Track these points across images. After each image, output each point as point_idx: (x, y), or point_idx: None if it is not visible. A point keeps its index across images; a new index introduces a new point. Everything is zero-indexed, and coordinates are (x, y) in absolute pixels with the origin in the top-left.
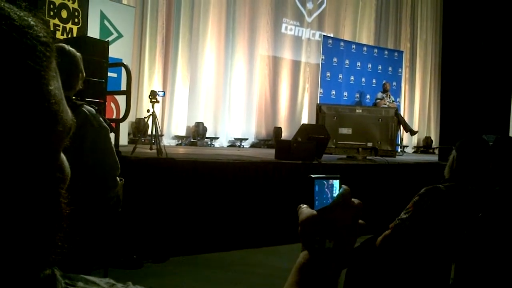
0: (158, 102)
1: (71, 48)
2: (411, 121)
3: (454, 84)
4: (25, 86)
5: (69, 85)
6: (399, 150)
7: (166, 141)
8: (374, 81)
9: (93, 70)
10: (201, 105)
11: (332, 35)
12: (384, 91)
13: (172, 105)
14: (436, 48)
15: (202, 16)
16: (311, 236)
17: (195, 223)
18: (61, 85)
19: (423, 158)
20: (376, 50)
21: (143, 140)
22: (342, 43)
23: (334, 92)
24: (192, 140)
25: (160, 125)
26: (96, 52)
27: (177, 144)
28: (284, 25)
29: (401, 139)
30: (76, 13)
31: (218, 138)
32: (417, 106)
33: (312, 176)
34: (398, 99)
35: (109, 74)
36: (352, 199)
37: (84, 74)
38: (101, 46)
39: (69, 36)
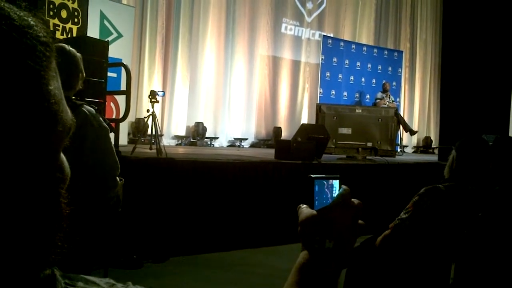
0: (157, 102)
1: (71, 48)
2: (410, 121)
3: (454, 84)
4: (25, 86)
5: (69, 85)
6: (398, 150)
7: (166, 141)
8: (373, 81)
9: (93, 70)
10: (201, 105)
11: (332, 35)
12: (384, 91)
13: (172, 105)
14: (436, 48)
15: (202, 16)
16: (311, 236)
17: (195, 223)
18: (61, 85)
19: (423, 158)
20: (375, 50)
21: (143, 140)
22: (342, 43)
23: (334, 92)
24: (191, 140)
25: (159, 125)
26: (96, 52)
27: (176, 144)
28: (284, 25)
29: (401, 139)
30: (76, 13)
31: (217, 138)
32: (417, 106)
33: (312, 176)
34: (397, 99)
35: (109, 74)
36: (352, 199)
37: (84, 74)
38: (101, 46)
39: (69, 36)
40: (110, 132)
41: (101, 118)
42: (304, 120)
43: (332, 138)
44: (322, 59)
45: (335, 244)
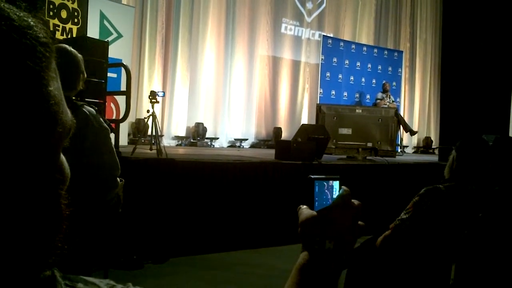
0: (158, 102)
1: (72, 49)
2: (411, 121)
3: (454, 84)
4: (25, 87)
5: (70, 86)
6: (399, 150)
7: (166, 141)
8: (374, 81)
9: (93, 70)
10: (201, 106)
11: (331, 35)
12: (384, 91)
13: (172, 105)
14: (436, 48)
15: (202, 16)
16: (311, 237)
17: (195, 224)
18: (60, 85)
19: (423, 158)
20: (375, 50)
21: (143, 141)
22: (341, 43)
23: (334, 92)
24: (192, 140)
25: (160, 125)
26: (95, 52)
27: (177, 145)
28: (284, 25)
29: (401, 139)
30: (76, 13)
31: (218, 138)
32: (417, 106)
33: (312, 177)
34: (398, 99)
35: (109, 74)
36: (352, 200)
37: (85, 75)
38: (101, 46)
39: (69, 36)
40: (111, 132)
41: (101, 119)
42: (304, 120)
43: (332, 139)
44: (322, 59)
45: (335, 245)
